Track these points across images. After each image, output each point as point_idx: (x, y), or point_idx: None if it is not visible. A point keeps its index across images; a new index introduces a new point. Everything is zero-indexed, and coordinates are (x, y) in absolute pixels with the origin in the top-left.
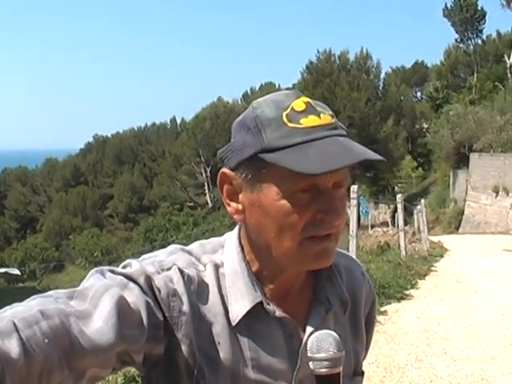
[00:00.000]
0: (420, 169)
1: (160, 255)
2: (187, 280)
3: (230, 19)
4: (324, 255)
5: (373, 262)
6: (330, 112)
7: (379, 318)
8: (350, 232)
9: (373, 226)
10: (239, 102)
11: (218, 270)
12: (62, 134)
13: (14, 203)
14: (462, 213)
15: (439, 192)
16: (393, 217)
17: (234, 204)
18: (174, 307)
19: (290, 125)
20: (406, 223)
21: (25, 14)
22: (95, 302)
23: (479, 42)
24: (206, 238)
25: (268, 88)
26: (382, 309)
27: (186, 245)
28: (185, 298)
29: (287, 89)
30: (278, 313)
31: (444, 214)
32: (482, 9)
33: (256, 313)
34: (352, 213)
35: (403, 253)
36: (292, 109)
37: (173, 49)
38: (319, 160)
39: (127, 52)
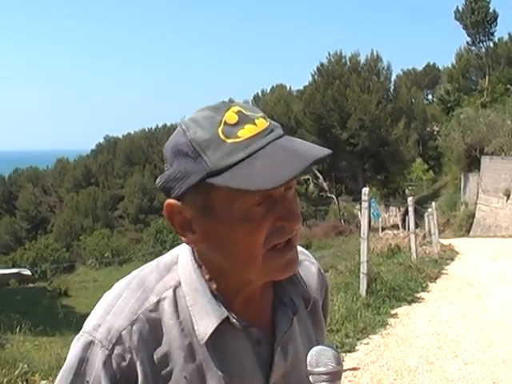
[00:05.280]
0: (431, 171)
1: (105, 306)
2: (138, 338)
3: (241, 21)
4: (289, 266)
5: (383, 264)
6: (261, 113)
7: (390, 320)
8: (362, 234)
9: (383, 229)
10: (250, 104)
11: (176, 293)
12: (72, 135)
13: (25, 204)
14: (473, 216)
15: (450, 195)
16: (403, 219)
17: (189, 234)
18: None
19: (228, 141)
20: (416, 226)
21: (36, 14)
22: None
23: (491, 44)
24: None
25: (279, 90)
26: (393, 311)
27: None
28: (138, 364)
29: (298, 91)
30: (244, 325)
31: (455, 217)
32: (494, 11)
33: (222, 328)
34: (363, 215)
35: (414, 256)
36: (225, 123)
37: (184, 50)
38: (269, 172)
39: (139, 53)
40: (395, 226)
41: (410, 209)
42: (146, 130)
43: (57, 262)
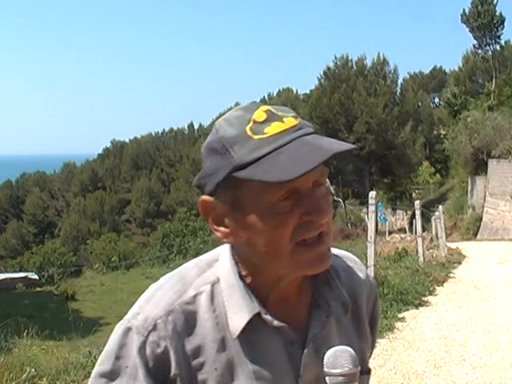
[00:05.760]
0: (438, 175)
1: (146, 297)
2: (173, 327)
3: (248, 24)
4: (320, 260)
5: (391, 268)
6: (293, 113)
7: (397, 324)
8: (368, 238)
9: (390, 232)
10: None
11: (214, 288)
12: (79, 139)
13: (32, 208)
14: (480, 219)
15: (457, 198)
16: (410, 223)
17: (222, 229)
18: (164, 373)
19: (255, 137)
20: (423, 229)
21: (42, 18)
22: None
23: (497, 47)
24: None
25: (286, 93)
26: (400, 315)
27: (204, 250)
28: (172, 353)
29: (304, 95)
30: (277, 322)
31: (462, 220)
32: (501, 14)
33: (255, 324)
34: (370, 219)
35: (421, 259)
36: (254, 121)
37: (190, 54)
38: (291, 164)
39: (145, 57)
40: (402, 230)
41: (417, 212)
42: (153, 134)
43: (64, 266)
